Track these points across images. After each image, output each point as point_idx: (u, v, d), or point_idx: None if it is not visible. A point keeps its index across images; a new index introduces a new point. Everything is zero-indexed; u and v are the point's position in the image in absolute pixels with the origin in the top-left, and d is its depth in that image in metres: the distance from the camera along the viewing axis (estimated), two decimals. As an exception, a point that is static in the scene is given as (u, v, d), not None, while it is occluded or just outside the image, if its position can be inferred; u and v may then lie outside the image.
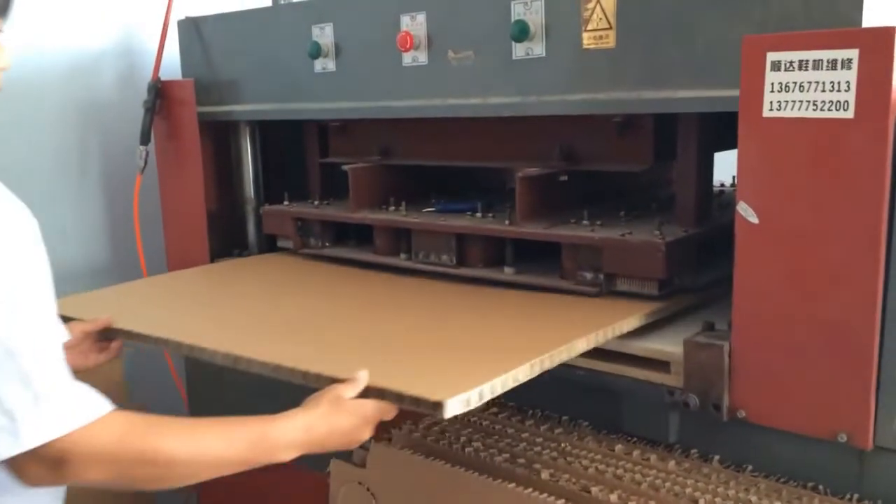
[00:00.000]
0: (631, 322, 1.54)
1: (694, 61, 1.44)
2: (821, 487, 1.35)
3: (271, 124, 2.35)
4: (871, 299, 1.23)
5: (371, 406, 1.25)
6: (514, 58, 1.67)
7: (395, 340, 1.54)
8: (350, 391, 1.25)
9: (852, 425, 1.28)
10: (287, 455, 1.21)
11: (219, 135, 2.38)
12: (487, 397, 1.26)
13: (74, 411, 1.08)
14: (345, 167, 2.12)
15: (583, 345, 1.45)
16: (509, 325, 1.59)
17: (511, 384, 1.32)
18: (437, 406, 1.19)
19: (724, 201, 1.97)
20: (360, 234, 2.17)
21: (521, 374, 1.33)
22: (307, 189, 2.38)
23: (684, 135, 1.70)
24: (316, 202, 2.28)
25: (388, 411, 1.27)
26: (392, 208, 2.09)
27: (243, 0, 2.54)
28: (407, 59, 1.85)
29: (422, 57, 1.82)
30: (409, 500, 1.55)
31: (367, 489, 1.59)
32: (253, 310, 1.83)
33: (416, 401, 1.22)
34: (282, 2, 2.45)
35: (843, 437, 1.28)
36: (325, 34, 2.01)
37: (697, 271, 1.69)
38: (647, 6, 1.48)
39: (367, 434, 1.27)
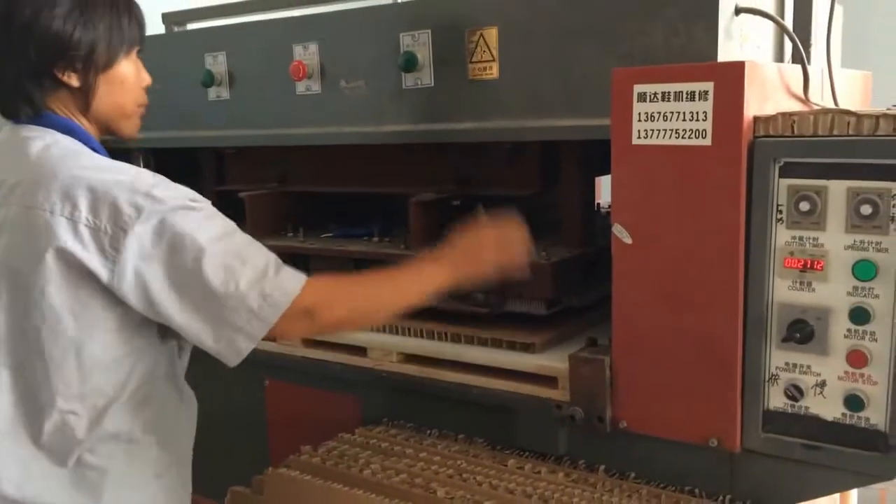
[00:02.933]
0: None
1: (571, 92, 1.52)
2: (697, 490, 1.44)
3: (167, 151, 2.32)
4: (733, 313, 1.33)
5: (491, 233, 1.52)
6: (404, 87, 1.72)
7: None
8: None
9: (722, 431, 1.37)
10: (441, 282, 1.46)
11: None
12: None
13: (296, 275, 1.32)
14: (242, 194, 2.12)
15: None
16: None
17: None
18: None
19: (609, 223, 2.07)
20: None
21: None
22: (204, 216, 2.35)
23: (568, 161, 1.79)
24: (213, 229, 2.25)
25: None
26: (290, 234, 2.10)
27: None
28: (300, 87, 1.87)
29: (315, 86, 1.85)
30: (307, 526, 1.56)
31: (265, 516, 1.59)
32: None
33: None
34: (175, 29, 2.43)
35: (714, 442, 1.37)
36: (217, 62, 2.01)
37: (584, 290, 1.77)
38: (526, 40, 1.56)
39: (490, 257, 1.50)
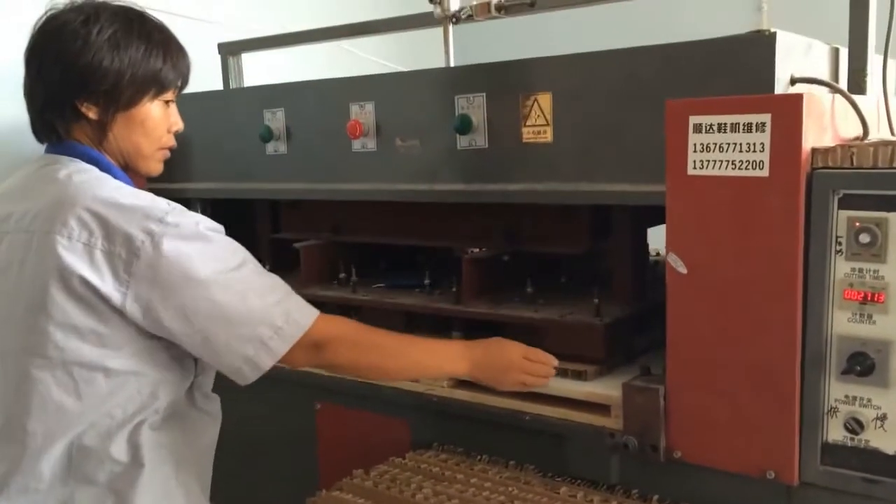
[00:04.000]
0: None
1: (623, 156, 1.52)
2: (753, 523, 1.43)
3: (224, 201, 2.35)
4: (791, 344, 1.32)
5: (518, 350, 1.56)
6: (458, 147, 1.73)
7: None
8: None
9: (779, 463, 1.36)
10: (456, 368, 1.58)
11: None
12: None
13: (308, 310, 1.40)
14: (296, 245, 2.16)
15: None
16: None
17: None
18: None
19: (660, 273, 2.05)
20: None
21: None
22: (259, 263, 2.39)
23: (619, 216, 1.79)
24: (267, 278, 2.29)
25: (535, 362, 1.57)
26: (342, 276, 2.12)
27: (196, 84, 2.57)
28: (356, 144, 1.89)
29: (370, 143, 1.86)
30: (359, 548, 1.57)
31: (319, 538, 1.61)
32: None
33: None
34: (232, 86, 2.50)
35: (771, 475, 1.36)
36: (276, 118, 2.03)
37: (637, 345, 1.76)
38: (580, 106, 1.56)
39: (515, 377, 1.56)
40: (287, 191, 2.08)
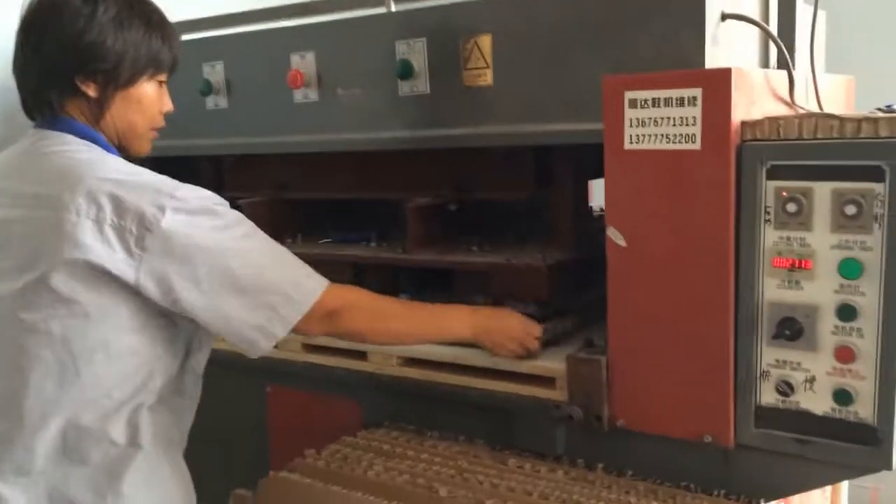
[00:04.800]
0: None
1: (564, 97, 1.56)
2: (693, 486, 1.47)
3: (166, 160, 2.34)
4: (724, 311, 1.37)
5: (521, 322, 1.62)
6: (400, 94, 1.75)
7: None
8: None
9: (715, 427, 1.40)
10: (462, 331, 1.61)
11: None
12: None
13: (318, 280, 1.42)
14: (241, 202, 2.15)
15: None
16: None
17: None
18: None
19: (601, 225, 2.11)
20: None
21: None
22: (203, 224, 2.39)
23: (561, 165, 1.83)
24: (213, 238, 2.28)
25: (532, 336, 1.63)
26: (289, 241, 2.13)
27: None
28: (298, 95, 1.90)
29: (312, 94, 1.88)
30: (310, 528, 1.59)
31: (268, 520, 1.62)
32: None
33: None
34: None
35: (708, 438, 1.41)
36: (215, 71, 2.04)
37: (579, 291, 1.81)
38: (520, 48, 1.59)
39: (515, 347, 1.61)
40: (229, 145, 2.07)
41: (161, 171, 2.35)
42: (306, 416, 1.98)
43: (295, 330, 1.39)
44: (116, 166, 1.36)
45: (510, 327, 1.62)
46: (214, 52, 2.04)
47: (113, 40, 1.35)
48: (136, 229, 1.28)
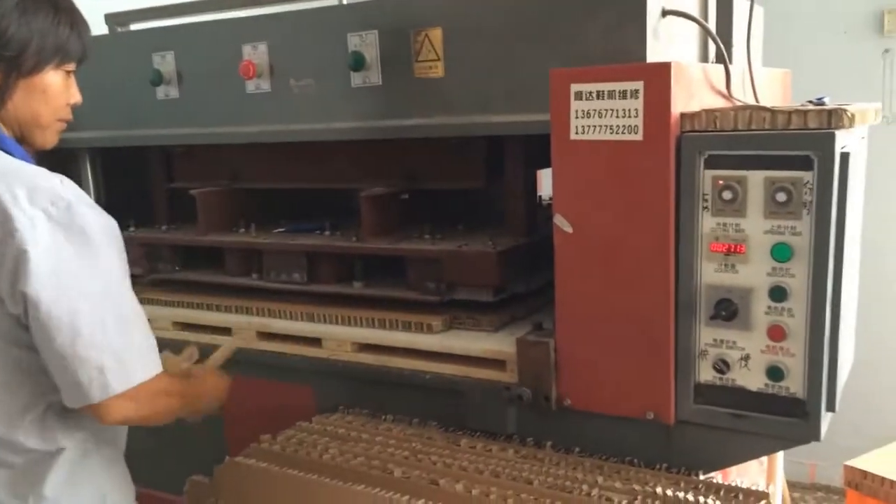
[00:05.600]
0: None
1: (513, 89, 1.60)
2: (636, 461, 1.54)
3: (113, 151, 2.33)
4: (665, 295, 1.43)
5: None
6: (352, 85, 1.78)
7: None
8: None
9: (657, 404, 1.47)
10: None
11: (58, 163, 2.32)
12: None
13: (145, 366, 1.35)
14: (193, 191, 2.15)
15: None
16: None
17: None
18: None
19: (550, 214, 2.18)
20: (210, 258, 2.20)
21: None
22: (153, 215, 2.38)
23: (511, 155, 1.88)
24: (164, 227, 2.28)
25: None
26: (242, 230, 2.14)
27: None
28: (250, 86, 1.91)
29: (265, 84, 1.90)
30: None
31: (224, 504, 1.64)
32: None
33: None
34: (119, 30, 2.43)
35: (650, 415, 1.48)
36: (166, 62, 2.04)
37: (529, 277, 1.87)
38: (469, 41, 1.64)
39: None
40: (180, 136, 2.07)
41: (110, 162, 2.37)
42: (262, 403, 1.99)
43: (96, 408, 1.31)
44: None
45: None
46: (165, 43, 2.03)
47: (17, 26, 1.30)
48: (1, 233, 1.23)
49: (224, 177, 2.22)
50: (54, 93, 1.39)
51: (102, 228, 1.31)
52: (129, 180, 2.45)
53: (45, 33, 1.34)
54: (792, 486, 3.48)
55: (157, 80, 2.03)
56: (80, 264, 1.27)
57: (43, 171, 1.33)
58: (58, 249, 1.25)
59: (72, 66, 1.42)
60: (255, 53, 1.88)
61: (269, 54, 1.87)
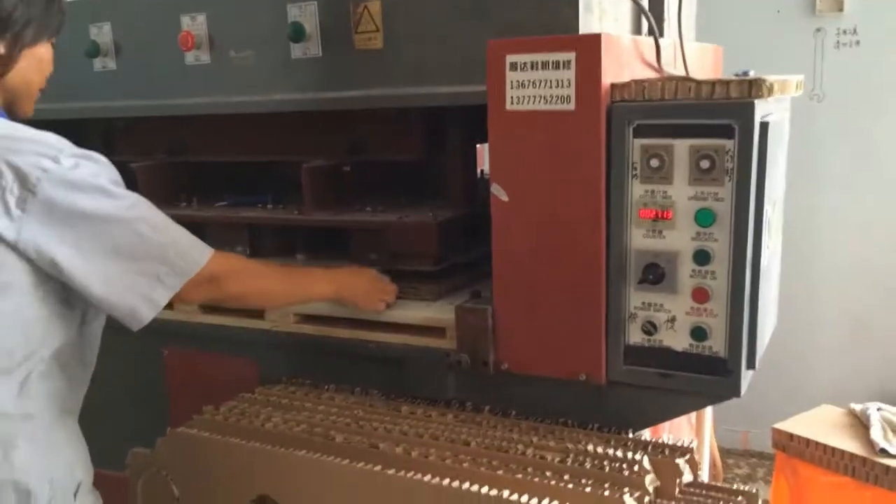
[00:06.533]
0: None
1: (451, 61, 1.63)
2: (570, 421, 1.60)
3: (52, 124, 2.28)
4: (597, 260, 1.48)
5: (372, 273, 1.77)
6: (292, 57, 1.78)
7: None
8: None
9: (589, 366, 1.53)
10: (326, 289, 1.73)
11: None
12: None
13: (203, 248, 1.45)
14: (133, 165, 2.13)
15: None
16: None
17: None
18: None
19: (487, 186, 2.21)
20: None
21: None
22: (94, 189, 2.35)
23: (451, 129, 1.91)
24: (104, 202, 2.25)
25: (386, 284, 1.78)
26: (184, 204, 2.13)
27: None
28: (189, 57, 1.90)
29: (204, 56, 1.89)
30: (207, 480, 1.62)
31: (166, 475, 1.64)
32: None
33: None
34: None
35: (583, 377, 1.53)
36: (103, 32, 2.01)
37: (468, 248, 1.91)
38: (408, 13, 1.65)
39: (376, 297, 1.74)
40: (118, 108, 2.05)
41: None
42: (204, 376, 2.00)
43: (177, 297, 1.41)
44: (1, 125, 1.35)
45: (366, 279, 1.76)
46: (101, 13, 2.00)
47: (25, 4, 1.37)
48: (18, 190, 1.27)
49: (165, 150, 2.21)
50: (45, 64, 1.47)
51: (94, 163, 1.36)
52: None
53: (44, 9, 1.42)
54: (726, 452, 3.61)
55: (94, 51, 2.01)
56: (96, 200, 1.32)
57: (30, 128, 1.37)
58: (74, 194, 1.30)
59: (54, 39, 1.49)
60: (194, 24, 1.87)
61: (208, 25, 1.86)
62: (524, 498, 1.31)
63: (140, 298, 1.36)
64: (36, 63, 1.44)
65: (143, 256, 1.35)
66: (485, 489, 1.34)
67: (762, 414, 2.71)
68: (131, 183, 2.12)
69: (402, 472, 1.41)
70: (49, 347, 1.37)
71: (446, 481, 1.37)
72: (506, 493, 1.32)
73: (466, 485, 1.35)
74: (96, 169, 1.35)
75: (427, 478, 1.39)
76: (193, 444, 1.64)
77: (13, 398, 1.34)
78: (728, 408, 1.98)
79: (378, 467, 1.44)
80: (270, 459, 1.54)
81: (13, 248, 1.28)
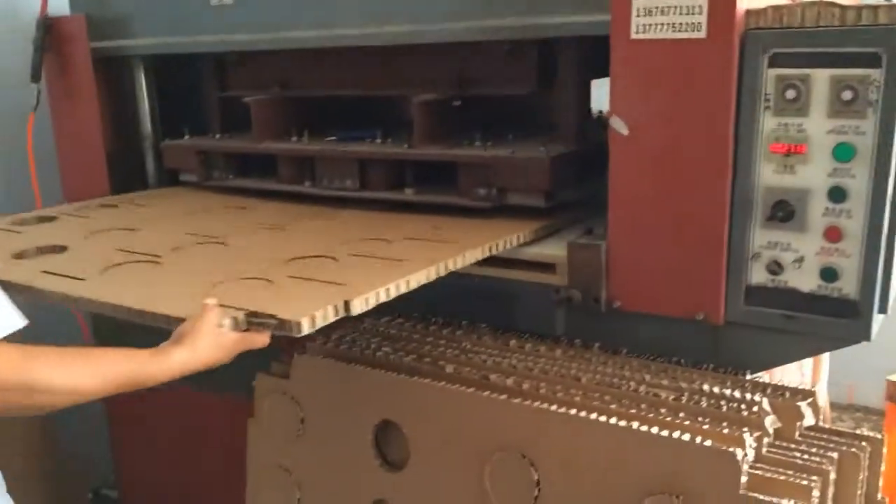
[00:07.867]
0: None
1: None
2: (683, 361, 1.57)
3: (167, 59, 2.35)
4: (721, 195, 1.43)
5: (234, 339, 1.26)
6: (405, -11, 1.77)
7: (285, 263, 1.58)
8: (216, 318, 1.25)
9: (708, 305, 1.49)
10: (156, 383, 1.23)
11: (113, 71, 2.36)
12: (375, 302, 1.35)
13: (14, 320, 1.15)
14: (246, 99, 2.17)
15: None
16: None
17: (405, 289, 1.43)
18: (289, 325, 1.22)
19: (603, 124, 2.16)
20: (263, 166, 2.23)
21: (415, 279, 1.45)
22: (205, 124, 2.42)
23: (565, 62, 1.86)
24: (217, 135, 2.32)
25: (254, 341, 1.27)
26: (294, 139, 2.16)
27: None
28: (300, -11, 1.91)
29: (319, -12, 1.89)
30: (331, 404, 1.67)
31: (292, 398, 1.70)
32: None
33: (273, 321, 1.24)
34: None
35: (700, 316, 1.50)
36: (219, -33, 2.04)
37: (579, 186, 1.87)
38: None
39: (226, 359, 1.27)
40: (233, 42, 2.07)
41: (162, 70, 2.40)
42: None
43: None
44: None
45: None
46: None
47: None
48: None
49: (276, 85, 2.24)
50: None
51: None
52: (181, 89, 2.48)
53: None
54: (831, 406, 3.50)
55: (211, -14, 2.03)
56: None
57: None
58: None
59: None
60: (310, -45, 1.87)
61: (324, -44, 1.86)
62: (654, 429, 1.29)
63: None
64: None
65: None
66: (613, 420, 1.33)
67: (869, 368, 2.60)
68: (244, 116, 2.19)
69: (530, 402, 1.41)
70: None
71: (573, 411, 1.37)
72: (635, 424, 1.31)
73: (595, 415, 1.35)
74: None
75: (554, 407, 1.39)
76: (318, 368, 1.68)
77: None
78: (834, 358, 1.91)
79: (504, 396, 1.45)
80: (395, 386, 1.57)
81: None
